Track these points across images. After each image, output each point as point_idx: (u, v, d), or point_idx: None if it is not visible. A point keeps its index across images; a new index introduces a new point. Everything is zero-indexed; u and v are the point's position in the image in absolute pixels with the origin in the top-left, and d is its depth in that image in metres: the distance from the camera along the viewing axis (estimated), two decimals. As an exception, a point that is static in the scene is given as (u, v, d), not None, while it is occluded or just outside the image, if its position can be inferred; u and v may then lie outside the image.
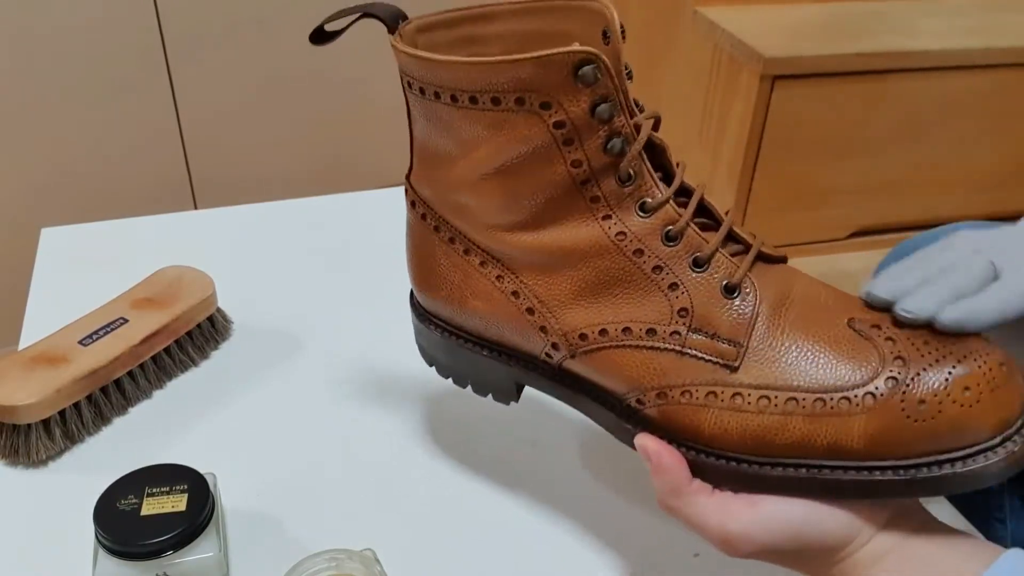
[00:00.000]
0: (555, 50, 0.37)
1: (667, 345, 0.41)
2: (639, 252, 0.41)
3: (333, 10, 0.44)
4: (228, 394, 0.61)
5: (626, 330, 0.42)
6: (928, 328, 0.39)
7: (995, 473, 0.37)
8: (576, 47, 0.38)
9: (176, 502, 0.46)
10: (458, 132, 0.42)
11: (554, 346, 0.44)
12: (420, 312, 0.51)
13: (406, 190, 0.48)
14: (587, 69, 0.38)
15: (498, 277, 0.45)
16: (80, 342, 0.58)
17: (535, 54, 0.37)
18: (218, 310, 0.65)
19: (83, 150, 1.38)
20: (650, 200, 0.41)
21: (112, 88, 1.34)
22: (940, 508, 0.54)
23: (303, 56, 1.41)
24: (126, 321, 0.60)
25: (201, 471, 0.48)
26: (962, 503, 0.56)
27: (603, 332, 0.42)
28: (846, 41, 1.21)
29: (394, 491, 0.54)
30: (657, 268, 0.41)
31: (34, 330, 0.65)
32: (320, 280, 0.73)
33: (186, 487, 0.47)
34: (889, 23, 1.29)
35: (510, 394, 0.49)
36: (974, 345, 0.38)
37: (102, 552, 0.45)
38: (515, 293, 0.44)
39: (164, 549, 0.44)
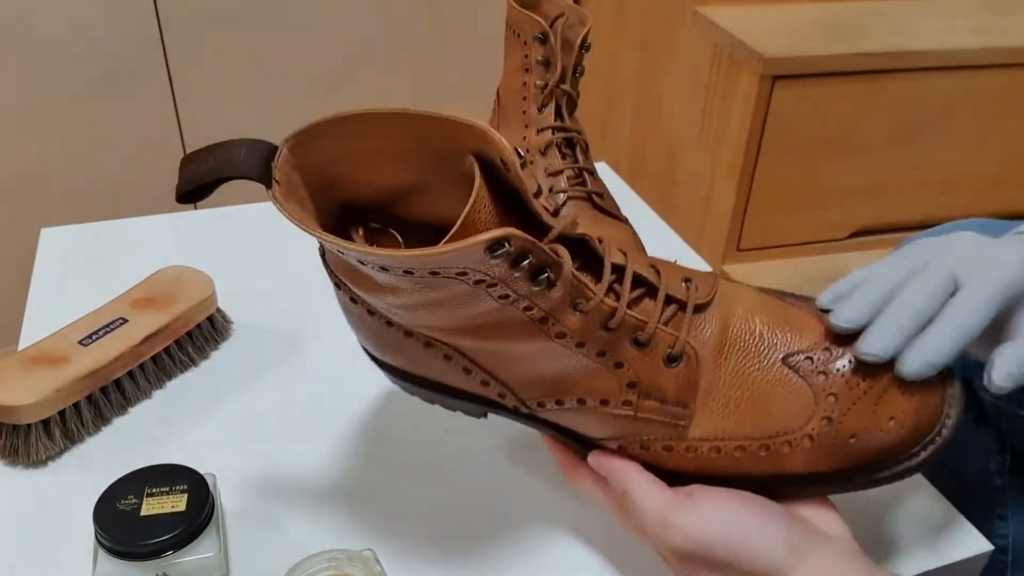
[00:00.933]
0: (466, 242, 0.36)
1: (621, 411, 0.44)
2: (581, 344, 0.42)
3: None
4: (228, 394, 0.61)
5: (581, 401, 0.44)
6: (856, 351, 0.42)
7: (916, 470, 0.42)
8: (487, 235, 0.36)
9: (176, 502, 0.46)
10: (388, 282, 0.40)
11: (514, 407, 0.46)
12: (375, 359, 0.49)
13: (328, 271, 0.45)
14: (498, 247, 0.36)
15: (446, 356, 0.44)
16: (80, 342, 0.58)
17: (453, 248, 0.35)
18: (218, 310, 0.65)
19: (83, 150, 1.38)
20: (583, 302, 0.41)
21: (112, 88, 1.34)
22: (938, 505, 0.54)
23: (304, 56, 1.41)
24: (126, 321, 0.60)
25: (201, 471, 0.48)
26: (962, 501, 0.56)
27: (559, 402, 0.45)
28: (846, 41, 1.21)
29: (394, 491, 0.54)
30: (601, 353, 0.42)
31: (34, 330, 0.65)
32: (320, 280, 0.73)
33: (186, 487, 0.47)
34: (889, 23, 1.29)
35: (480, 415, 0.50)
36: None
37: (102, 552, 0.45)
38: (467, 370, 0.45)
39: (164, 549, 0.44)
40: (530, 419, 0.47)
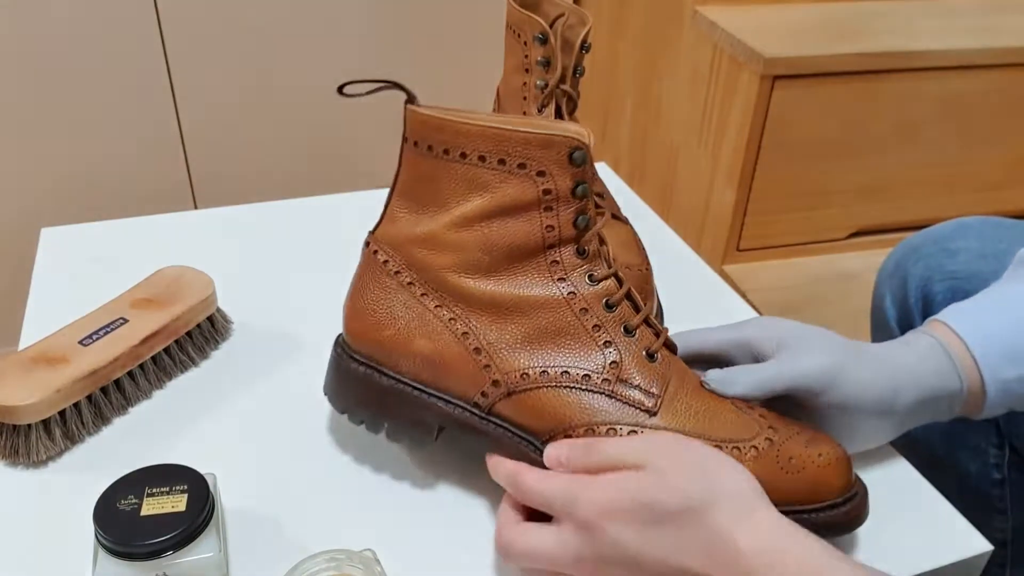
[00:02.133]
0: (559, 131, 0.46)
1: (599, 389, 0.48)
2: (584, 311, 0.49)
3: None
4: (228, 394, 0.61)
5: (564, 373, 0.49)
6: (787, 411, 0.50)
7: (840, 525, 0.48)
8: (575, 135, 0.46)
9: (176, 502, 0.46)
10: (455, 185, 0.49)
11: (494, 383, 0.50)
12: (349, 354, 0.54)
13: (367, 242, 0.54)
14: (579, 153, 0.47)
15: (451, 319, 0.50)
16: (80, 342, 0.58)
17: (545, 131, 0.46)
18: (218, 310, 0.66)
19: (83, 150, 1.38)
20: (597, 273, 0.50)
21: (112, 88, 1.34)
22: (938, 504, 0.54)
23: (303, 56, 1.41)
24: (126, 321, 0.60)
25: (201, 471, 0.48)
26: (961, 496, 0.56)
27: (544, 373, 0.49)
28: (846, 41, 1.21)
29: (394, 491, 0.54)
30: (596, 327, 0.49)
31: (34, 330, 0.65)
32: (320, 280, 0.73)
33: (186, 487, 0.47)
34: (889, 23, 1.29)
35: (430, 436, 0.53)
36: (818, 430, 0.50)
37: (102, 552, 0.45)
38: (465, 334, 0.50)
39: (164, 549, 0.44)
40: (493, 419, 0.50)
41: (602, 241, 0.51)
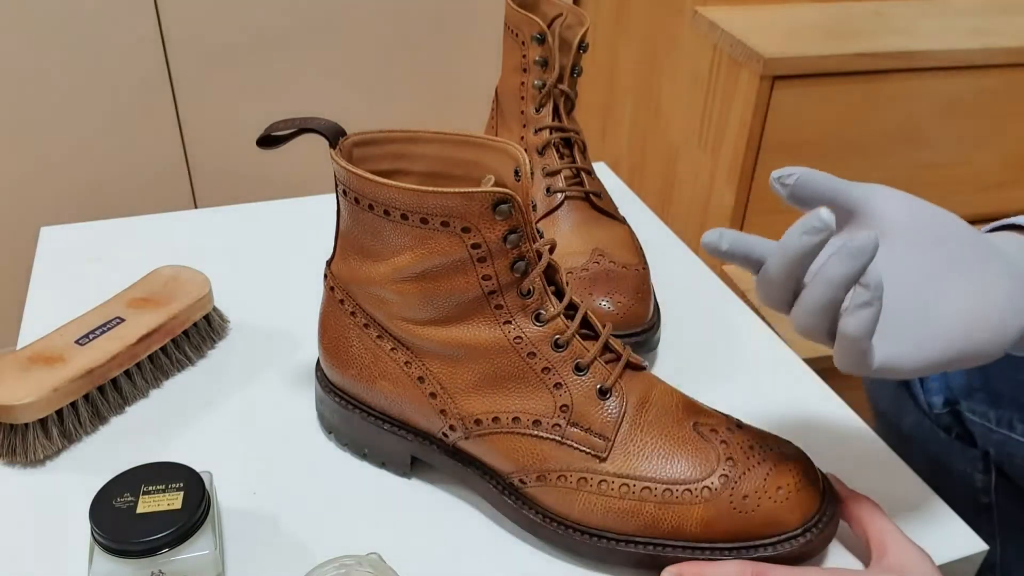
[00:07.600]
0: (479, 189, 0.44)
1: (549, 435, 0.48)
2: (532, 355, 0.48)
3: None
4: (225, 393, 0.61)
5: (515, 419, 0.49)
6: (752, 435, 0.49)
7: (797, 556, 0.46)
8: (496, 188, 0.45)
9: (172, 500, 0.46)
10: (386, 239, 0.48)
11: (451, 427, 0.50)
12: (325, 384, 0.56)
13: (326, 275, 0.54)
14: (503, 206, 0.45)
15: (406, 363, 0.51)
16: (76, 341, 0.58)
17: (463, 190, 0.44)
18: (215, 309, 0.66)
19: (83, 150, 1.38)
20: (544, 312, 0.48)
21: (112, 88, 1.35)
22: (933, 505, 0.54)
23: (303, 55, 1.42)
24: (122, 320, 0.60)
25: (197, 469, 0.48)
26: None
27: (496, 419, 0.49)
28: (846, 41, 1.21)
29: (392, 491, 0.54)
30: (545, 369, 0.48)
31: (33, 329, 0.65)
32: (317, 279, 0.73)
33: (182, 485, 0.47)
34: (889, 23, 1.29)
35: (405, 467, 0.55)
36: (787, 450, 0.48)
37: (98, 550, 0.45)
38: (421, 379, 0.51)
39: (160, 547, 0.44)
40: (459, 455, 0.52)
41: (551, 270, 0.49)
